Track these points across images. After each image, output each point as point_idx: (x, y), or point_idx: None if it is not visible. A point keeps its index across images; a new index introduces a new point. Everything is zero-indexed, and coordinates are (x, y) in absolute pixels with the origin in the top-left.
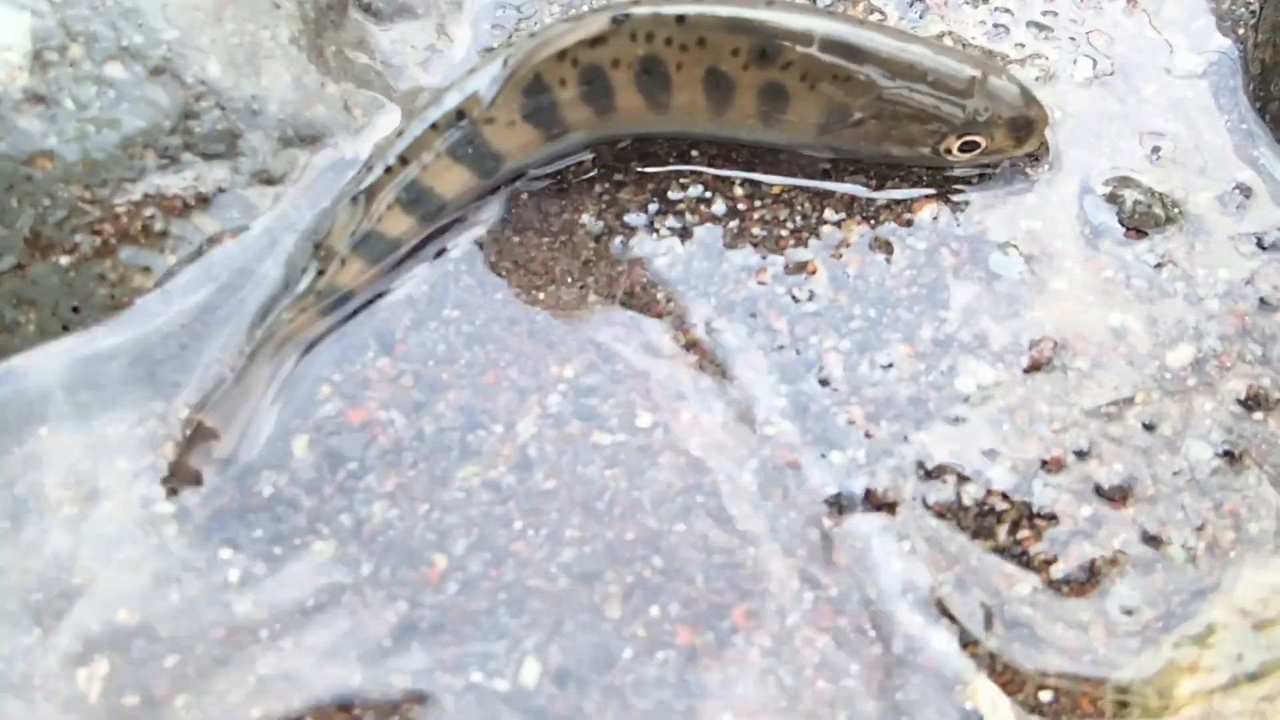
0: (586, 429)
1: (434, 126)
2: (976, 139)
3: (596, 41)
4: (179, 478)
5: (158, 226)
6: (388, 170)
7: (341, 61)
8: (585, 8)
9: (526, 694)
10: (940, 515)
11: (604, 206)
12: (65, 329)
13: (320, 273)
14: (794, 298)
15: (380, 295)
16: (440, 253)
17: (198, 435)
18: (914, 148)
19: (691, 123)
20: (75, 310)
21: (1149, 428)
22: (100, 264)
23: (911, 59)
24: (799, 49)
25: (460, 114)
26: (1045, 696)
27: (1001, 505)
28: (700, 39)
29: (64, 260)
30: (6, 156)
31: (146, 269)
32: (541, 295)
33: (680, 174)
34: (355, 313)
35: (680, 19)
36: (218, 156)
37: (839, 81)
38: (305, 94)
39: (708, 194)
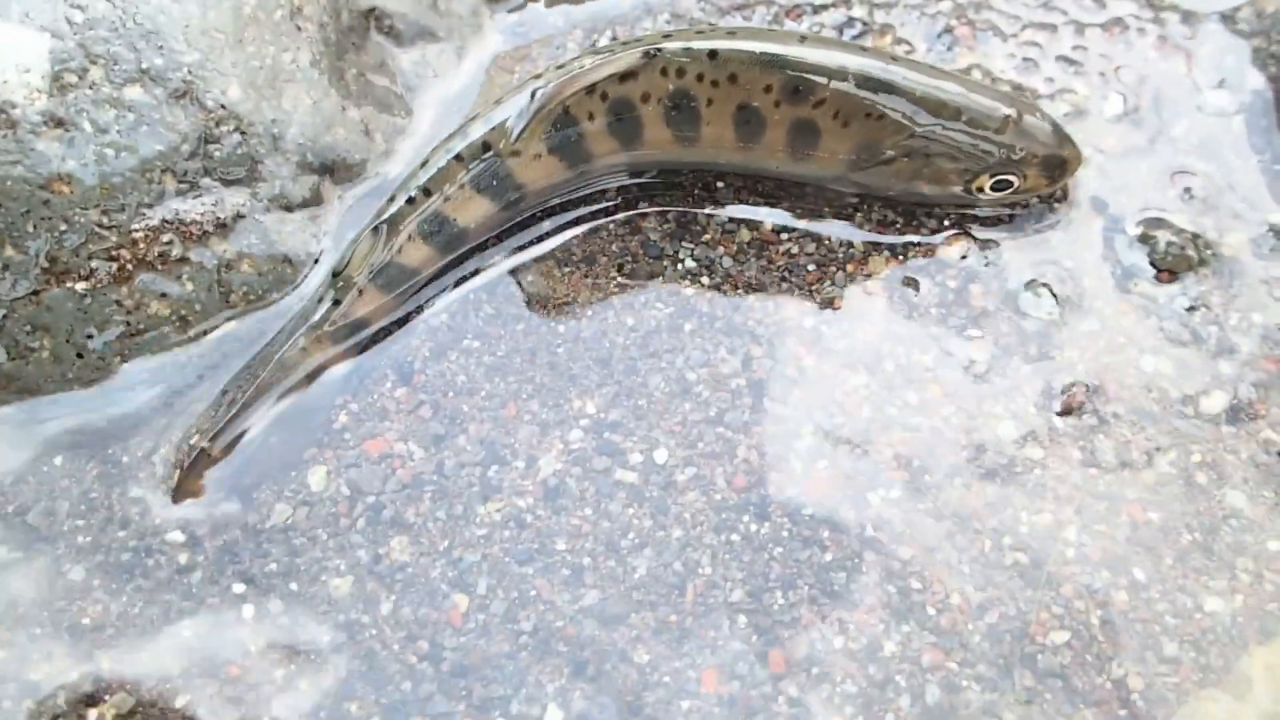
0: (609, 465)
1: (458, 158)
2: (1009, 178)
3: (627, 76)
4: (179, 501)
5: (175, 253)
6: (410, 201)
7: (362, 85)
8: (607, 33)
9: None
10: (973, 560)
11: (627, 236)
12: (79, 356)
13: (336, 302)
14: (821, 333)
15: (399, 323)
16: (460, 281)
17: (200, 462)
18: (945, 186)
19: (718, 156)
20: (90, 337)
21: (1183, 476)
22: (117, 290)
23: (945, 97)
24: (832, 86)
25: (486, 146)
26: None
27: (1026, 555)
28: (732, 75)
29: (80, 287)
30: (23, 180)
31: (164, 295)
32: (562, 327)
33: (705, 204)
34: (373, 341)
35: (712, 54)
36: (237, 182)
37: (872, 119)
38: (325, 118)
39: (733, 225)
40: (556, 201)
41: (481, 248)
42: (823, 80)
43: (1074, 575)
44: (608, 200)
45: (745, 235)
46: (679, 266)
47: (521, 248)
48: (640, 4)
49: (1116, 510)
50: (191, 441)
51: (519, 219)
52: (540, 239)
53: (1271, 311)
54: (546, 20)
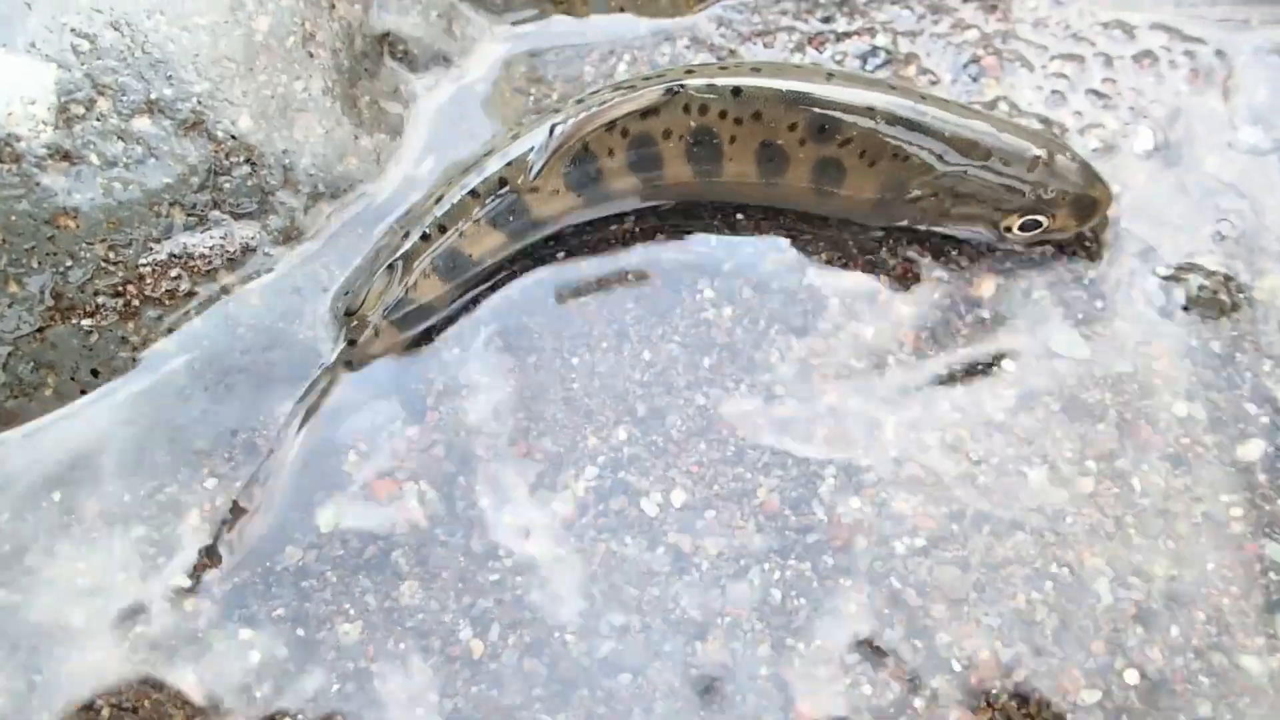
0: (625, 507)
1: (474, 193)
2: (1038, 218)
3: (648, 112)
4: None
5: (183, 288)
6: (424, 238)
7: (375, 112)
8: (623, 62)
9: None
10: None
11: (645, 266)
12: (84, 394)
13: (352, 342)
14: (847, 369)
15: (411, 359)
16: (473, 315)
17: (237, 517)
18: (972, 225)
19: (740, 193)
20: (95, 374)
21: (1219, 527)
22: (123, 327)
23: (974, 136)
24: (859, 126)
25: (502, 181)
26: None
27: (1056, 609)
28: (756, 113)
29: (85, 323)
30: (28, 214)
31: (170, 331)
32: (576, 360)
33: (725, 235)
34: (385, 377)
35: (736, 91)
36: (247, 214)
37: (899, 159)
38: (337, 148)
39: (754, 257)
40: (572, 229)
41: (493, 280)
42: (849, 119)
43: (1106, 630)
44: (625, 229)
45: (768, 266)
46: (698, 298)
47: (537, 277)
48: (657, 29)
49: (1150, 562)
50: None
51: (533, 250)
52: (555, 268)
53: None
54: (562, 44)
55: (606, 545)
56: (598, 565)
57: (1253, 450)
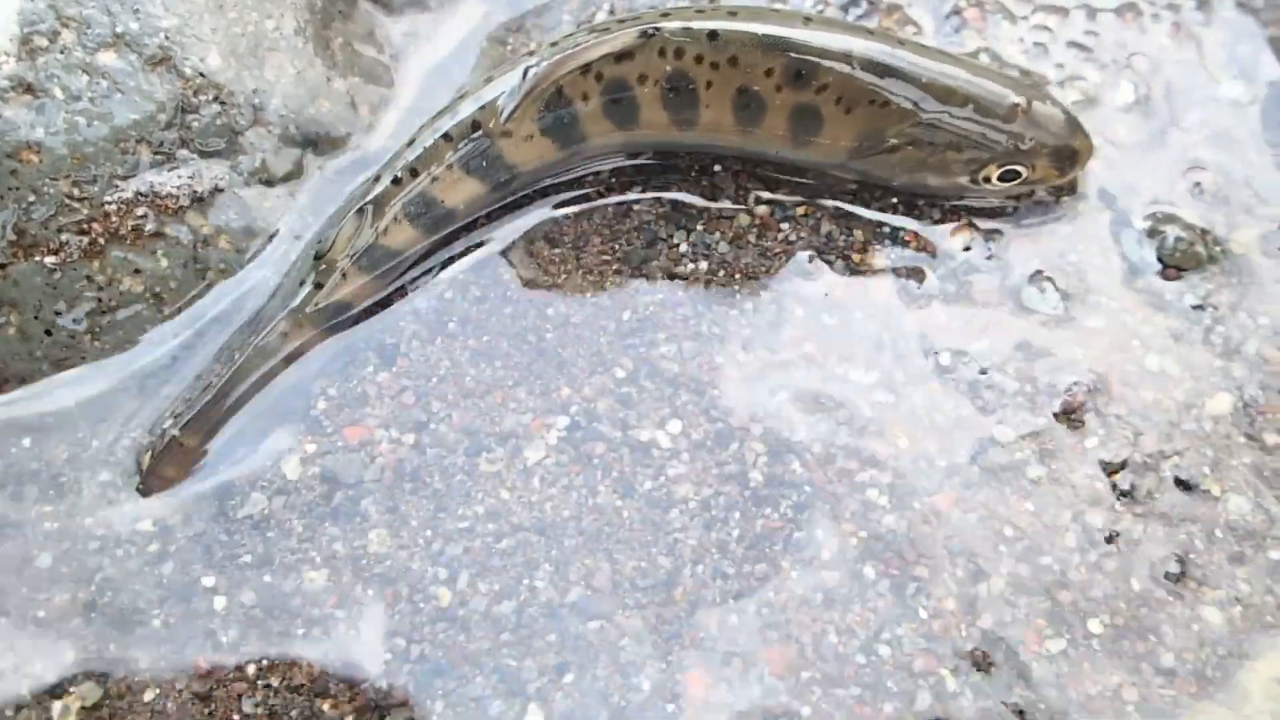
0: (598, 457)
1: (447, 137)
2: (1017, 168)
3: (623, 56)
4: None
5: (150, 227)
6: (396, 181)
7: (349, 55)
8: (606, 5)
9: None
10: (968, 564)
11: (620, 218)
12: (48, 334)
13: (319, 285)
14: (820, 323)
15: (382, 306)
16: (446, 263)
17: (170, 451)
18: (951, 175)
19: (716, 140)
20: (59, 314)
21: (1186, 480)
22: (88, 265)
23: (952, 83)
24: (836, 71)
25: (475, 125)
26: None
27: (1024, 560)
28: (732, 57)
29: (49, 260)
30: None
31: (137, 271)
32: (551, 311)
33: (701, 187)
34: (355, 324)
35: (712, 35)
36: (215, 154)
37: (876, 106)
38: (309, 89)
39: (730, 210)
40: (549, 182)
41: (469, 228)
42: (826, 64)
43: (1071, 581)
44: (601, 182)
45: (743, 220)
46: (673, 251)
47: (512, 228)
48: None
49: (1117, 515)
50: (164, 428)
51: (509, 200)
52: (530, 220)
53: None
54: None
55: (578, 493)
56: (569, 512)
57: (1221, 404)
